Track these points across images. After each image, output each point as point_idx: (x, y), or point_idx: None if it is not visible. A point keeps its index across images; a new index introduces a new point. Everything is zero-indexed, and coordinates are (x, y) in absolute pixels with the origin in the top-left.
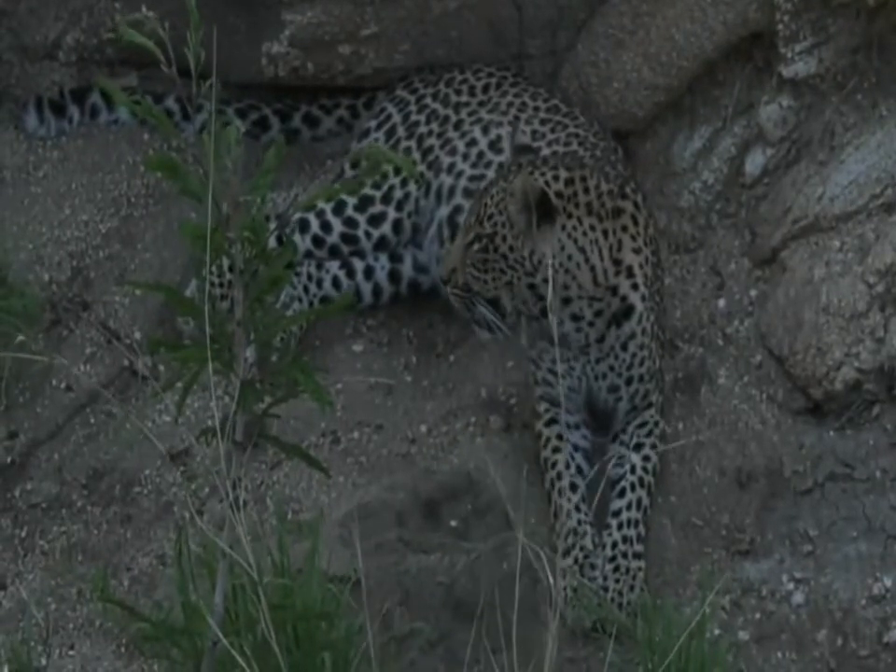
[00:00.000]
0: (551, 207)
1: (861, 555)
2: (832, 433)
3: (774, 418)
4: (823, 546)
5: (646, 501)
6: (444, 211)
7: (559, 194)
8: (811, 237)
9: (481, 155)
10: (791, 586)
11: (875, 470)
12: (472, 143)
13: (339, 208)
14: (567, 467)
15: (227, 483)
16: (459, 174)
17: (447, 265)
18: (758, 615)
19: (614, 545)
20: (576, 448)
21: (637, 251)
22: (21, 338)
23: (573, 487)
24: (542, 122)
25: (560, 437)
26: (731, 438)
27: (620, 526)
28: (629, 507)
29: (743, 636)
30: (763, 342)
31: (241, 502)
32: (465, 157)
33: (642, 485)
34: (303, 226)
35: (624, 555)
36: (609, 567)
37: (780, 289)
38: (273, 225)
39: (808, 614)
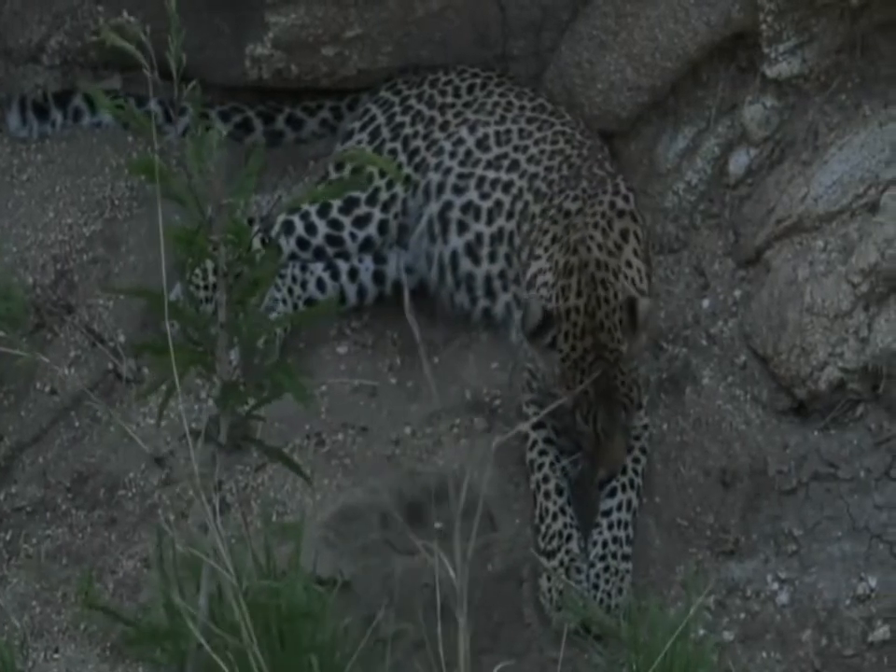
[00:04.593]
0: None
1: (846, 555)
2: (816, 433)
3: (758, 418)
4: (808, 546)
5: (635, 503)
6: (434, 207)
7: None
8: (795, 237)
9: (468, 153)
10: (775, 586)
11: (859, 470)
12: (460, 142)
13: (323, 210)
14: (553, 469)
15: (210, 485)
16: (447, 171)
17: (618, 463)
18: (743, 615)
19: (605, 544)
20: (562, 451)
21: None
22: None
23: (559, 490)
24: (529, 121)
25: (547, 440)
26: (715, 438)
27: (610, 526)
28: (619, 508)
29: (728, 636)
30: (748, 342)
31: (224, 505)
32: (452, 155)
33: (632, 487)
34: (288, 228)
35: (614, 556)
36: (599, 565)
37: (764, 289)
38: (257, 227)
39: (793, 614)
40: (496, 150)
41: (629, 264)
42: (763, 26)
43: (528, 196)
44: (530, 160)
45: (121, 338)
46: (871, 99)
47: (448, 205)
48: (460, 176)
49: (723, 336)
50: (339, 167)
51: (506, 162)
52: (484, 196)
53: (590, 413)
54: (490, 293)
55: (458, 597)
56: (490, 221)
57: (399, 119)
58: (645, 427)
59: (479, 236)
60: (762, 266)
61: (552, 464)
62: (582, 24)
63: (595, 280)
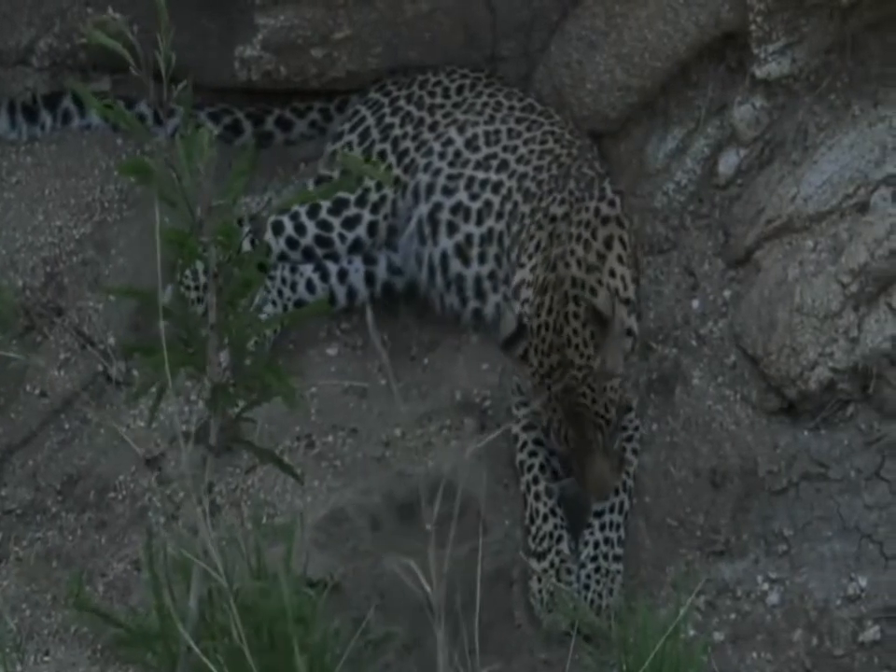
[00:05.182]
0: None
1: (836, 555)
2: (806, 433)
3: (748, 418)
4: (798, 546)
5: (627, 505)
6: (424, 209)
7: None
8: (785, 237)
9: (458, 154)
10: (766, 586)
11: (849, 470)
12: (449, 142)
13: (313, 211)
14: (543, 470)
15: (200, 487)
16: (437, 171)
17: (606, 486)
18: (733, 615)
19: (596, 545)
20: (552, 452)
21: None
22: None
23: (549, 491)
24: (518, 121)
25: (537, 441)
26: (705, 438)
27: (602, 527)
28: (611, 509)
29: (718, 636)
30: (737, 342)
31: (214, 506)
32: (441, 155)
33: (624, 489)
34: (277, 228)
35: (605, 557)
36: (590, 566)
37: (754, 290)
38: (247, 228)
39: (783, 614)
40: (485, 150)
41: (612, 273)
42: (753, 26)
43: (518, 196)
44: (519, 160)
45: (111, 340)
46: (860, 99)
47: (437, 207)
48: (449, 178)
49: (713, 336)
50: (329, 169)
51: (495, 162)
52: (474, 197)
53: (561, 431)
54: (480, 294)
55: (436, 613)
56: (480, 222)
57: (388, 120)
58: (636, 428)
59: (468, 237)
60: (751, 266)
61: (542, 465)
62: (572, 25)
63: (568, 297)
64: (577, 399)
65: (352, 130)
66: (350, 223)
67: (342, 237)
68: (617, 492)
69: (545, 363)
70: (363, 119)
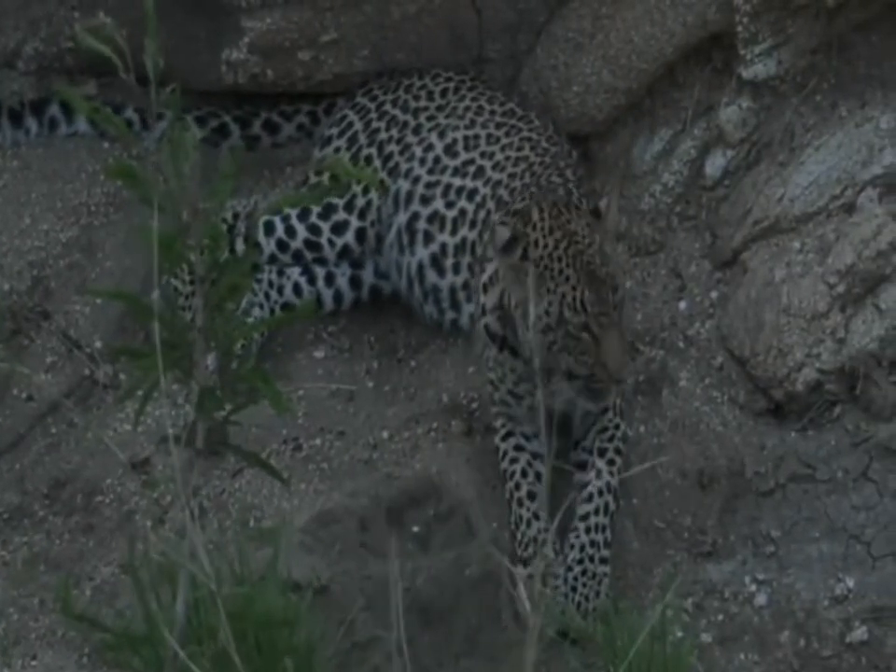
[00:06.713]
0: None
1: (824, 556)
2: (793, 434)
3: (735, 420)
4: (786, 547)
5: (612, 506)
6: (402, 218)
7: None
8: (772, 238)
9: (437, 160)
10: (753, 587)
11: (836, 471)
12: (429, 148)
13: (304, 214)
14: (525, 475)
15: (187, 491)
16: (416, 179)
17: (623, 361)
18: (721, 617)
19: (582, 548)
20: (534, 455)
21: None
22: None
23: (531, 496)
24: (497, 126)
25: (517, 447)
26: (692, 440)
27: (588, 530)
28: (596, 512)
29: (706, 637)
30: (725, 343)
31: (201, 510)
32: (422, 162)
33: (609, 490)
34: (269, 229)
35: (591, 559)
36: (577, 569)
37: (741, 291)
38: (241, 225)
39: (771, 615)
40: (463, 156)
41: None
42: (739, 28)
43: (491, 204)
44: (495, 167)
45: (98, 344)
46: (847, 100)
47: (415, 216)
48: (427, 186)
49: (700, 338)
50: (319, 173)
51: (472, 169)
52: (450, 205)
53: (576, 300)
54: (455, 305)
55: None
56: (454, 231)
57: (374, 124)
58: (617, 427)
59: (443, 247)
60: (738, 267)
61: (523, 470)
62: (558, 27)
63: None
64: (588, 258)
65: (340, 135)
66: (339, 229)
67: (331, 242)
68: (601, 493)
69: (550, 242)
70: (351, 123)
